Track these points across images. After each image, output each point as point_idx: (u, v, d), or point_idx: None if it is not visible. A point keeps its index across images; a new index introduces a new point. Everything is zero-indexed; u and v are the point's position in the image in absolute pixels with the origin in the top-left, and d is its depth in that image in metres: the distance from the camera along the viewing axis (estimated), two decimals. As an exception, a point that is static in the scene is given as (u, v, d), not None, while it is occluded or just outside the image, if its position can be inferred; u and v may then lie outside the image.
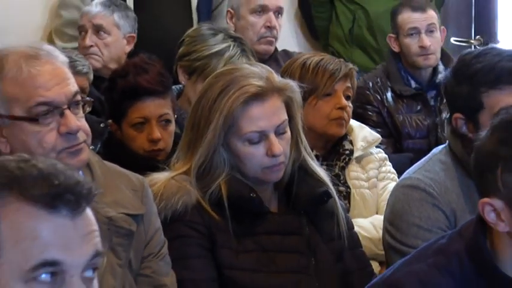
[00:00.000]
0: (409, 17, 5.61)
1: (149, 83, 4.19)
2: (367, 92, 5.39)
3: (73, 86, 2.99)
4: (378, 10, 6.21)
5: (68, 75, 3.00)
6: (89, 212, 1.99)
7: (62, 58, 3.05)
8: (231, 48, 4.90)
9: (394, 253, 3.52)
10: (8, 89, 2.95)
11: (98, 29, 5.51)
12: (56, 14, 5.97)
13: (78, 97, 3.00)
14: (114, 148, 4.22)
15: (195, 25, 5.63)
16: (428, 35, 5.54)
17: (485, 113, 3.38)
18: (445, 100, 5.30)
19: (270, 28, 5.67)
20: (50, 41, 5.81)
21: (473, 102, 3.41)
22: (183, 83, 4.88)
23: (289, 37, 6.55)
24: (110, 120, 4.32)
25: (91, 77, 4.88)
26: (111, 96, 4.29)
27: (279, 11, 5.80)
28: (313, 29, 6.62)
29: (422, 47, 5.52)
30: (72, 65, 4.50)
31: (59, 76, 2.97)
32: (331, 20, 6.48)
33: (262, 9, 5.73)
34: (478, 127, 3.38)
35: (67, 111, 2.93)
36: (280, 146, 3.31)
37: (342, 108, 4.36)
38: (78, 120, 2.96)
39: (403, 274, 2.71)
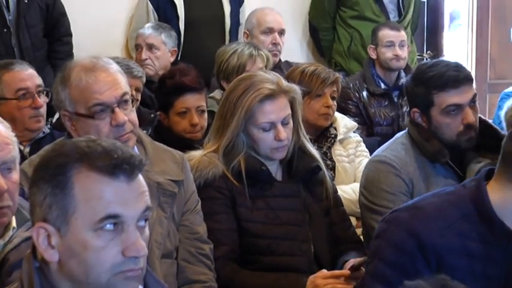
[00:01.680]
0: (387, 33, 5.60)
1: (190, 82, 4.23)
2: (348, 91, 5.37)
3: (122, 88, 2.98)
4: (368, 33, 6.08)
5: (119, 80, 2.99)
6: (140, 177, 1.98)
7: (115, 67, 3.04)
8: (245, 48, 4.96)
9: (367, 210, 3.52)
10: (73, 93, 2.95)
11: (150, 46, 5.47)
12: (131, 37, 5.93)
13: (127, 96, 2.99)
14: (162, 132, 4.21)
15: (228, 43, 5.69)
16: (400, 48, 5.53)
17: (435, 108, 3.37)
18: (405, 98, 5.32)
19: (275, 44, 5.70)
20: (129, 56, 5.82)
21: (427, 100, 3.39)
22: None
23: (299, 53, 6.54)
24: (158, 112, 4.33)
25: (144, 79, 4.86)
26: (162, 92, 4.32)
27: (281, 32, 5.82)
28: (320, 48, 6.55)
29: (396, 55, 5.51)
30: (130, 71, 4.57)
31: (111, 82, 2.96)
32: (333, 40, 6.42)
33: (270, 31, 5.76)
34: (430, 119, 3.39)
35: (116, 109, 2.93)
36: (285, 133, 3.31)
37: (329, 106, 4.33)
38: (126, 115, 2.95)
39: (424, 203, 2.66)
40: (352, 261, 3.23)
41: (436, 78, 3.39)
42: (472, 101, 3.40)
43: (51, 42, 5.52)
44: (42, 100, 4.04)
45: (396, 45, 5.52)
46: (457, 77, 3.39)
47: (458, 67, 3.50)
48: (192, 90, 4.20)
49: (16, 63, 4.16)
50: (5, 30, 5.34)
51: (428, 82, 3.40)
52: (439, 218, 2.59)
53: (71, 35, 5.59)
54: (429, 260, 2.55)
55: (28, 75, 4.08)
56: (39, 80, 4.09)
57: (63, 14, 5.59)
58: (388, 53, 5.51)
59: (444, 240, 2.56)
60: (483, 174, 2.64)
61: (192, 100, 4.20)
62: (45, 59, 5.43)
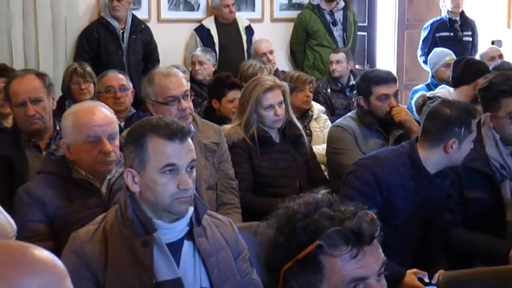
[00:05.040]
0: (331, 55, 5.49)
1: (238, 83, 4.18)
2: (319, 88, 5.23)
3: (185, 87, 2.91)
4: (324, 54, 5.98)
5: (183, 82, 2.93)
6: (189, 140, 1.92)
7: (181, 74, 2.98)
8: (257, 63, 4.88)
9: (330, 154, 3.44)
10: (155, 89, 2.88)
11: (200, 62, 5.33)
12: (187, 57, 5.85)
13: (187, 92, 2.92)
14: (210, 114, 4.06)
15: (246, 59, 5.54)
16: (336, 64, 5.39)
17: (373, 96, 3.28)
18: (354, 92, 5.24)
19: (269, 61, 5.44)
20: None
21: (368, 91, 3.29)
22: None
23: (285, 65, 6.33)
24: (211, 99, 4.19)
25: (188, 75, 4.78)
26: (220, 86, 4.13)
27: (271, 52, 5.65)
28: (296, 64, 6.39)
29: (333, 69, 5.38)
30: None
31: (179, 83, 2.89)
32: (304, 59, 6.27)
33: (263, 54, 5.57)
34: (369, 103, 3.29)
35: (182, 100, 2.86)
36: (280, 111, 3.23)
37: (308, 97, 4.27)
38: (187, 103, 2.88)
39: (379, 155, 2.64)
40: (322, 192, 3.15)
41: (375, 77, 3.32)
42: (395, 93, 3.32)
43: (146, 63, 5.46)
44: (124, 94, 3.95)
45: (334, 63, 5.40)
46: (387, 77, 3.33)
47: (388, 72, 3.46)
48: (239, 88, 4.09)
49: (110, 71, 4.10)
50: (120, 52, 5.37)
51: (370, 79, 3.31)
52: (389, 164, 2.57)
53: (158, 61, 5.53)
54: (382, 191, 2.55)
55: (114, 78, 3.99)
56: (123, 81, 3.98)
57: (156, 48, 5.57)
58: (332, 66, 5.41)
59: (392, 178, 2.55)
60: (414, 140, 2.63)
61: (237, 94, 4.06)
62: (141, 73, 5.33)
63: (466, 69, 3.97)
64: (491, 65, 4.40)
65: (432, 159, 2.55)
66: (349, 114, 3.48)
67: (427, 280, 2.39)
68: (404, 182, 2.55)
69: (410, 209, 2.57)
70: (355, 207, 1.25)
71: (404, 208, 2.56)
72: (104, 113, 2.40)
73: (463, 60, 4.13)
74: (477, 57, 5.04)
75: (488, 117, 2.77)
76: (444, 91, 4.23)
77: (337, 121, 3.51)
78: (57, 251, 1.97)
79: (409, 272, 2.42)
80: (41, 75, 2.98)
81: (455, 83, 4.05)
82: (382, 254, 1.24)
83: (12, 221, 1.45)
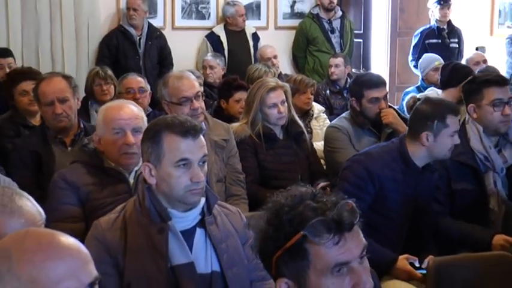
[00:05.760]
0: (330, 60, 5.44)
1: (245, 85, 4.08)
2: (319, 90, 5.18)
3: (197, 88, 2.88)
4: (323, 59, 5.95)
5: (195, 84, 2.89)
6: (201, 137, 1.90)
7: (193, 76, 2.95)
8: (262, 67, 4.81)
9: (327, 152, 3.41)
10: (170, 91, 2.85)
11: (211, 67, 5.29)
12: (199, 62, 5.80)
13: (199, 93, 2.88)
14: (220, 114, 4.00)
15: (253, 63, 5.47)
16: (335, 67, 5.32)
17: (364, 99, 3.24)
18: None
19: (273, 65, 5.37)
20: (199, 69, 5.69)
21: (360, 94, 3.25)
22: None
23: (288, 69, 6.28)
24: (220, 100, 4.12)
25: (201, 80, 4.69)
26: (227, 88, 4.06)
27: (275, 56, 5.60)
28: (297, 68, 6.34)
29: (332, 72, 5.32)
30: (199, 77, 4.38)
31: (191, 85, 2.85)
32: (305, 63, 6.22)
33: (268, 59, 5.50)
34: (361, 104, 3.25)
35: (194, 100, 2.83)
36: (283, 108, 3.19)
37: (309, 98, 4.22)
38: (199, 103, 2.85)
39: (371, 151, 2.62)
40: (321, 184, 3.15)
41: (366, 81, 3.28)
42: (385, 96, 3.29)
43: (161, 67, 5.42)
44: (143, 95, 3.96)
45: (333, 66, 5.34)
46: (378, 82, 3.30)
47: (379, 77, 3.41)
48: (244, 89, 4.02)
49: (130, 74, 4.11)
50: (137, 57, 5.33)
51: (362, 83, 3.28)
52: (380, 159, 2.55)
53: (172, 65, 5.50)
54: (374, 183, 2.53)
55: (134, 80, 4.03)
56: (142, 84, 4.00)
57: (170, 53, 5.53)
58: (331, 70, 5.35)
59: (383, 172, 2.53)
60: (403, 136, 2.62)
61: (243, 95, 3.98)
62: (156, 76, 5.30)
63: (453, 73, 3.97)
64: (476, 70, 4.39)
65: (417, 153, 2.55)
66: (343, 115, 3.45)
67: (417, 265, 2.38)
68: (395, 175, 2.54)
69: (401, 200, 2.56)
70: (336, 198, 1.25)
71: (396, 199, 2.56)
72: (130, 109, 2.39)
73: (450, 64, 4.14)
74: (463, 62, 5.03)
75: (472, 108, 2.78)
76: (433, 93, 4.22)
77: (332, 122, 3.49)
78: (88, 232, 1.99)
79: (401, 257, 2.42)
80: (67, 78, 2.98)
81: (443, 85, 4.06)
82: (363, 239, 1.24)
83: (41, 210, 1.44)
